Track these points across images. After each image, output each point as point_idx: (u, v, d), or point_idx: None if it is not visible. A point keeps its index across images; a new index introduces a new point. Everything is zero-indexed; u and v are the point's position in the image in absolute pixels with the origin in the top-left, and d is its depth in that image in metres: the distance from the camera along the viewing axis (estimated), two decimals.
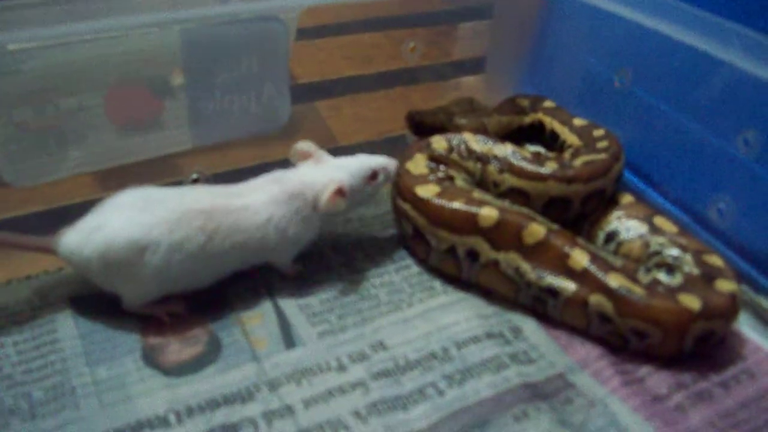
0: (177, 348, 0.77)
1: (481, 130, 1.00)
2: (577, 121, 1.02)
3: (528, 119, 1.05)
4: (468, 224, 0.84)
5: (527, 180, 0.91)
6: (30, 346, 0.76)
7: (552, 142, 1.03)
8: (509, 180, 0.91)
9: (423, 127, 1.02)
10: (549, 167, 0.90)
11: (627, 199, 0.94)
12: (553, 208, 0.91)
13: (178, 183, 0.93)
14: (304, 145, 0.88)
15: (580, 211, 0.92)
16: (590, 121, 1.01)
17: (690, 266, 0.82)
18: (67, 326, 0.79)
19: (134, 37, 0.85)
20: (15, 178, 0.83)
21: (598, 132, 0.98)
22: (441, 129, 1.00)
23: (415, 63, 1.14)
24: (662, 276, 0.81)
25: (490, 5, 1.17)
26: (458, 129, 1.00)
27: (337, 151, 0.88)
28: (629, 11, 0.99)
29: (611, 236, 0.91)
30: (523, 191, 0.91)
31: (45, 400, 0.71)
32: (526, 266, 0.82)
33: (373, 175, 0.87)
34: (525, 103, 1.07)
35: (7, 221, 0.89)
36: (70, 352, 0.76)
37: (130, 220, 0.76)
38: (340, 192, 0.83)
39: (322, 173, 0.85)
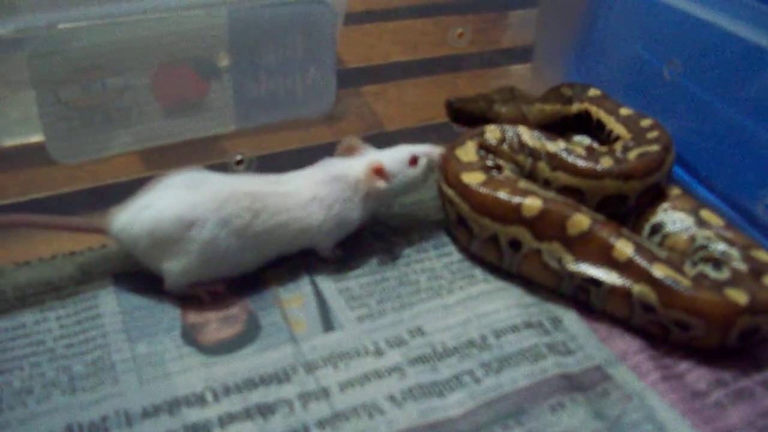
0: (216, 327, 0.78)
1: (520, 119, 0.99)
2: (624, 111, 1.00)
3: (574, 109, 1.03)
4: (511, 213, 0.83)
5: (582, 178, 0.89)
6: (72, 321, 0.78)
7: (598, 132, 1.02)
8: (562, 178, 0.90)
9: (461, 114, 1.01)
10: (604, 164, 0.89)
11: (674, 191, 0.93)
12: (608, 206, 0.89)
13: (222, 165, 0.93)
14: (350, 141, 0.90)
15: (634, 206, 0.90)
16: (637, 111, 0.99)
17: (737, 261, 0.80)
18: (109, 302, 0.80)
19: (182, 18, 0.85)
20: (61, 155, 0.84)
21: (646, 122, 0.96)
22: (479, 117, 0.99)
23: (463, 50, 1.13)
24: (709, 270, 0.79)
25: None
26: (497, 117, 0.99)
27: (382, 136, 0.88)
28: (680, 0, 0.98)
29: (657, 228, 0.89)
30: (578, 189, 0.89)
31: (85, 374, 0.72)
32: (569, 257, 0.81)
33: (413, 160, 0.89)
34: (569, 92, 1.05)
35: (54, 198, 0.90)
36: (111, 328, 0.77)
37: (178, 197, 0.78)
38: (378, 171, 0.85)
39: (364, 158, 0.88)
